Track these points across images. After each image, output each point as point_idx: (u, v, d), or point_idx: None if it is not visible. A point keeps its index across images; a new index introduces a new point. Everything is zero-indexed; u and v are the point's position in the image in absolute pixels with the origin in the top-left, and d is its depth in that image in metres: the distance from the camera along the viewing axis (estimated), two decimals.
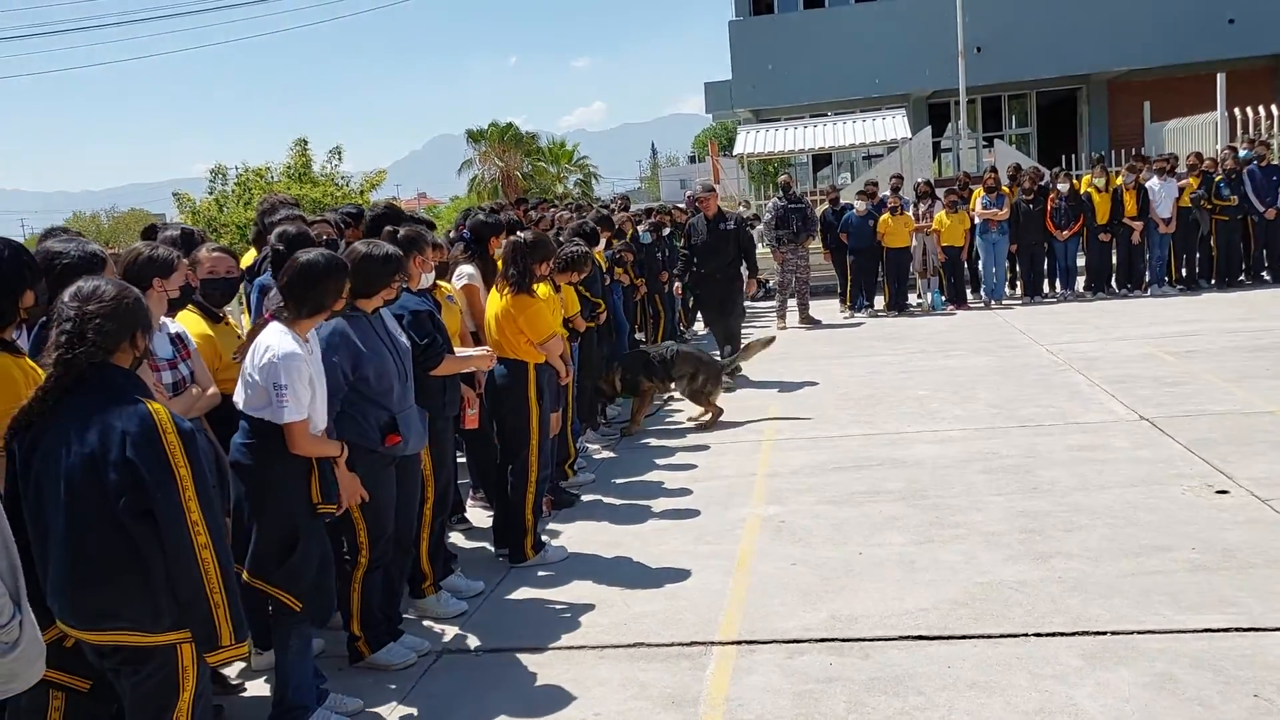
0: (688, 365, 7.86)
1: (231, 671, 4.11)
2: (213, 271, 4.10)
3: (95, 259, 3.33)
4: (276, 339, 3.37)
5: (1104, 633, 3.86)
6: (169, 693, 2.70)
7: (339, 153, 23.94)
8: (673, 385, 7.96)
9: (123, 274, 3.57)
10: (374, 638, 4.06)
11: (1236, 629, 3.80)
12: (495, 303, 5.25)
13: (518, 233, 5.46)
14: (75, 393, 2.61)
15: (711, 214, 9.65)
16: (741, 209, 18.00)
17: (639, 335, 9.80)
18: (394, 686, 3.92)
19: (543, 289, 5.31)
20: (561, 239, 6.65)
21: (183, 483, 2.59)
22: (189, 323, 3.87)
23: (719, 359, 8.65)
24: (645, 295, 9.95)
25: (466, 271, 5.80)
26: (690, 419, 8.09)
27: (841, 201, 14.03)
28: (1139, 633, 3.83)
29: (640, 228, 10.22)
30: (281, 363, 3.31)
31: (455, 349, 4.66)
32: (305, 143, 23.33)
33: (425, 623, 4.52)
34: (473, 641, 4.32)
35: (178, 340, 3.64)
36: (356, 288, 3.82)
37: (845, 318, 13.57)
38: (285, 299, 3.48)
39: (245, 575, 3.47)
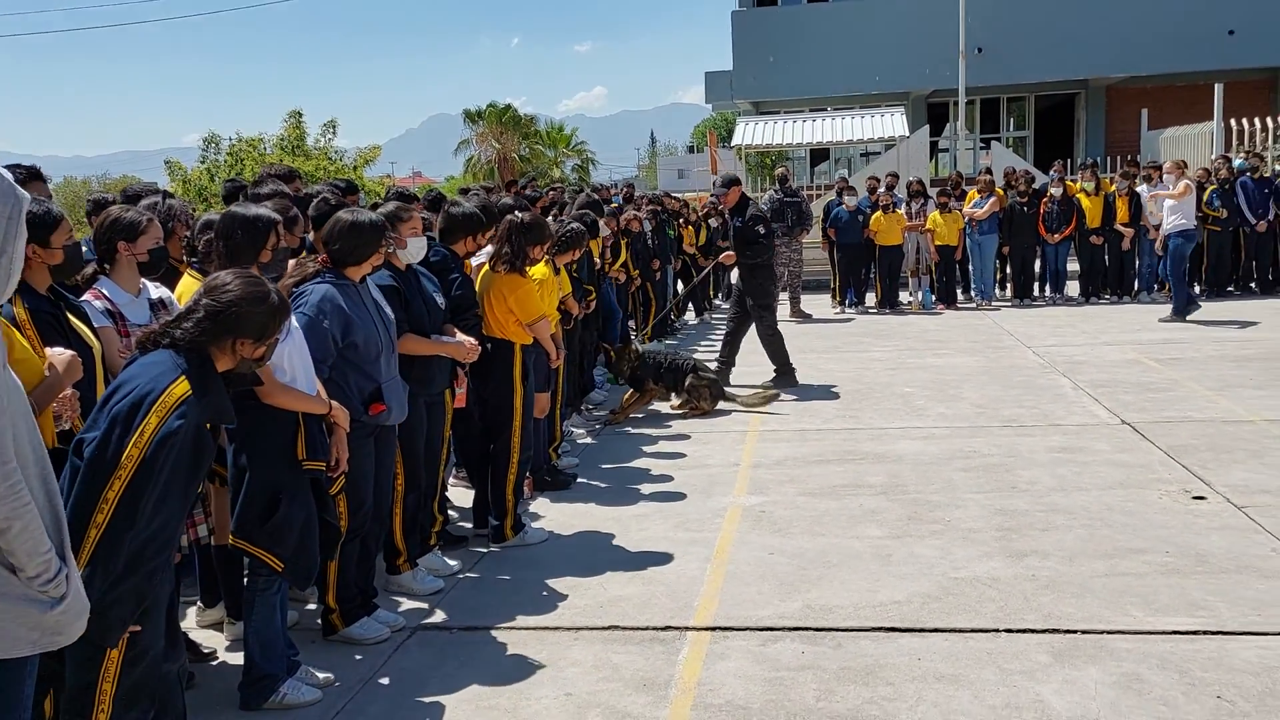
0: (701, 382, 7.84)
1: (206, 639, 4.12)
2: None
3: (39, 218, 2.99)
4: None
5: (1074, 631, 3.89)
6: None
7: (333, 127, 23.73)
8: (673, 395, 7.98)
9: (94, 238, 3.54)
10: (348, 611, 4.07)
11: (1205, 632, 3.84)
12: (487, 281, 5.24)
13: (514, 213, 5.44)
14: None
15: (731, 205, 8.66)
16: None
17: (630, 323, 9.80)
18: (366, 661, 3.93)
19: (543, 270, 5.28)
20: (563, 218, 6.64)
21: (125, 459, 2.49)
22: (191, 289, 3.82)
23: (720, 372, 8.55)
24: (640, 286, 9.94)
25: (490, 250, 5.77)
26: (672, 406, 8.08)
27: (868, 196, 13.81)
28: (1109, 632, 3.87)
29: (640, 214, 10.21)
30: None
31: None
32: (300, 115, 23.11)
33: (401, 599, 4.52)
34: (447, 619, 4.33)
35: (159, 306, 3.61)
36: (343, 256, 3.85)
37: (836, 313, 13.60)
38: (218, 258, 3.52)
39: (230, 538, 3.48)
